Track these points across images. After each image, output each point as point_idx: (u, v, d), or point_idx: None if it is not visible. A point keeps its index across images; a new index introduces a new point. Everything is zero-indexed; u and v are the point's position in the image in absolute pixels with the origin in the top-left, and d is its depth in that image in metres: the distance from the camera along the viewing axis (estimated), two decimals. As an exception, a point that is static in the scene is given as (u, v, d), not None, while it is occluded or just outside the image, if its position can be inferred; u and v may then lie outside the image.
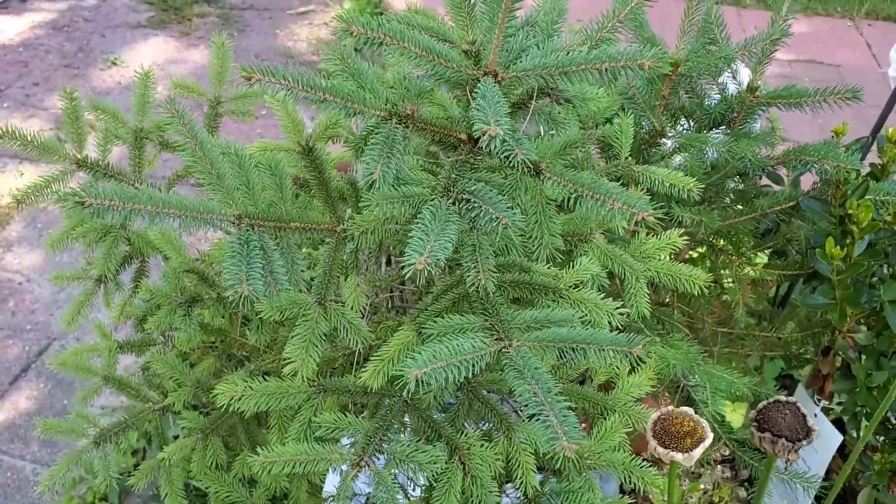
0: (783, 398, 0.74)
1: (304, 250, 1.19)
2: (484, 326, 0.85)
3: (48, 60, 3.20)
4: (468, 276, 0.84)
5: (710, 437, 0.76)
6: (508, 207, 0.77)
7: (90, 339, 2.05)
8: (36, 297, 2.24)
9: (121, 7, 3.61)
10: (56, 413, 1.96)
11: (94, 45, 3.34)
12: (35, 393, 2.01)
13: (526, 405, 0.73)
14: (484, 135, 0.69)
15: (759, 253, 1.40)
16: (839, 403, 1.40)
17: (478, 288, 0.87)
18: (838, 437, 1.33)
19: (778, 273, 1.32)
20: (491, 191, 0.79)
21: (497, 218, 0.77)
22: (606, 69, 0.76)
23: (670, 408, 0.80)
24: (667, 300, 1.41)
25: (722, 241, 1.36)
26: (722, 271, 1.44)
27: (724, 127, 1.32)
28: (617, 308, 0.92)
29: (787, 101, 1.24)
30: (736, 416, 1.53)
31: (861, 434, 1.38)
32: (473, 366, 0.78)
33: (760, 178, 1.40)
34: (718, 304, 1.57)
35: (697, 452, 0.75)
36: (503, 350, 0.81)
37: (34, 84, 3.06)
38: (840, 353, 1.29)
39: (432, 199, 0.79)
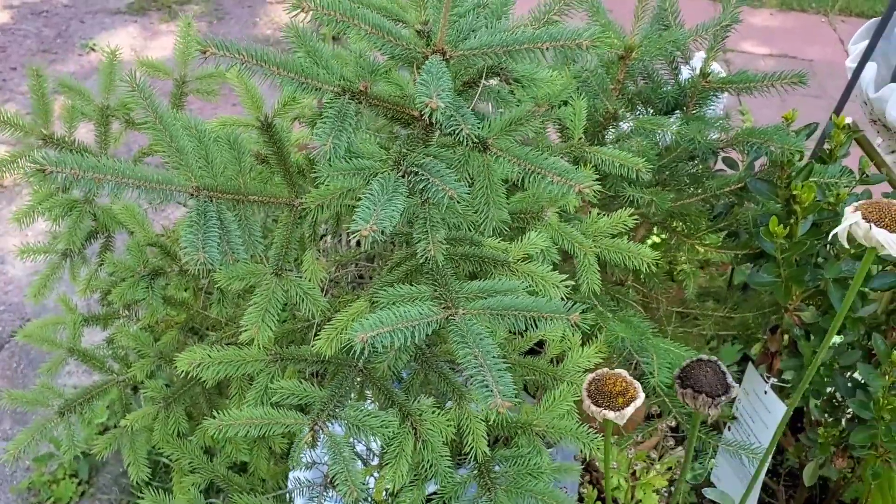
0: (705, 357, 0.78)
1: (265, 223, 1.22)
2: (433, 296, 0.88)
3: (26, 45, 3.21)
4: (419, 247, 0.88)
5: (642, 396, 0.81)
6: (455, 180, 0.81)
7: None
8: (10, 278, 2.25)
9: (99, -7, 3.62)
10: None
11: (72, 30, 3.34)
12: (8, 372, 2.02)
13: (466, 367, 0.77)
14: (426, 107, 0.73)
15: (712, 235, 1.45)
16: (785, 380, 1.45)
17: (428, 259, 0.91)
18: (783, 409, 1.38)
19: (730, 253, 1.36)
20: (439, 164, 0.83)
21: (443, 190, 0.80)
22: (547, 47, 0.79)
23: (605, 369, 0.84)
24: (624, 280, 1.45)
25: (676, 223, 1.40)
26: (677, 253, 1.49)
27: (678, 112, 1.36)
28: (563, 280, 0.95)
29: (738, 85, 1.29)
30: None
31: (806, 408, 1.44)
32: (419, 331, 0.81)
33: (715, 163, 1.44)
34: (674, 287, 1.62)
35: (629, 411, 0.79)
36: (449, 317, 0.84)
37: (11, 69, 3.06)
38: (787, 330, 1.34)
39: (382, 171, 0.83)
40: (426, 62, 0.80)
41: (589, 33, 0.77)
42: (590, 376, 0.83)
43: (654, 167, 1.34)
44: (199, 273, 1.10)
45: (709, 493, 1.01)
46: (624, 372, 0.83)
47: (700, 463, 1.24)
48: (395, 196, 0.79)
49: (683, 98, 1.34)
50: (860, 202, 0.78)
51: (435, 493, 0.98)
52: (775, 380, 1.40)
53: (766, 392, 1.42)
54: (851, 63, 1.76)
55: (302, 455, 1.20)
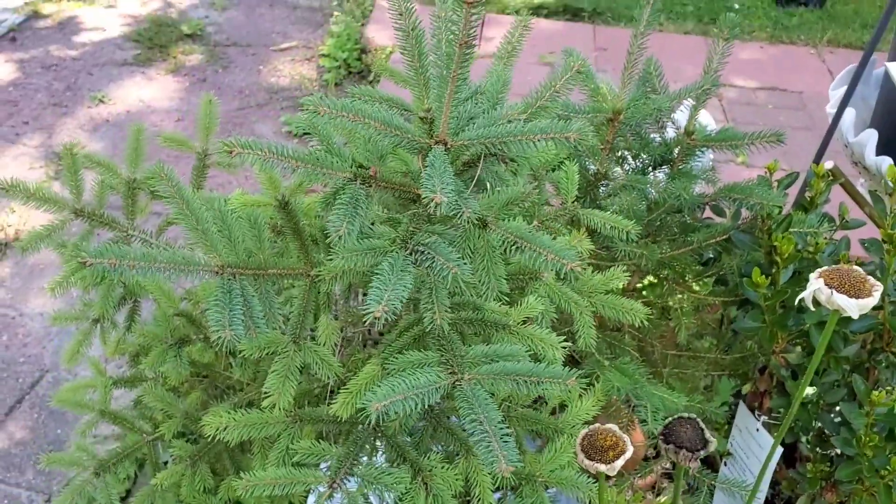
0: (686, 415, 0.86)
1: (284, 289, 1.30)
2: (440, 361, 0.96)
3: (37, 99, 3.31)
4: (426, 316, 0.96)
5: (631, 450, 0.88)
6: (458, 258, 0.89)
7: (79, 370, 2.15)
8: (28, 330, 2.33)
9: (107, 45, 3.73)
10: (49, 441, 2.06)
11: (81, 83, 3.45)
12: (30, 423, 2.10)
13: (472, 434, 0.85)
14: (431, 202, 0.81)
15: (702, 281, 1.53)
16: (776, 418, 1.52)
17: (434, 327, 0.99)
18: (778, 450, 1.45)
19: (720, 300, 1.44)
20: (443, 243, 0.91)
21: (448, 267, 0.88)
22: (539, 139, 0.88)
23: (597, 425, 0.91)
24: (621, 327, 1.53)
25: (666, 270, 1.48)
26: (668, 300, 1.57)
27: (666, 166, 1.45)
28: (560, 342, 1.03)
29: (720, 143, 1.37)
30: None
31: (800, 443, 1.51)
32: (428, 398, 0.89)
33: (703, 212, 1.52)
34: (668, 329, 1.69)
35: (619, 463, 0.86)
36: (456, 383, 0.92)
37: (24, 122, 3.16)
38: (774, 371, 1.42)
39: (391, 251, 0.91)
40: (430, 154, 0.88)
41: (577, 127, 0.86)
42: (583, 432, 0.90)
43: (643, 220, 1.43)
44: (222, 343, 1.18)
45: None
46: (614, 427, 0.90)
47: (695, 498, 1.31)
48: (405, 275, 0.87)
49: (670, 154, 1.42)
50: (823, 269, 0.86)
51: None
52: (765, 417, 1.48)
53: (757, 430, 1.49)
54: (831, 109, 1.85)
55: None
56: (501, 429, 0.84)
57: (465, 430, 1.14)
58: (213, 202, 1.04)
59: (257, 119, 3.15)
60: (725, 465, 1.58)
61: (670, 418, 0.86)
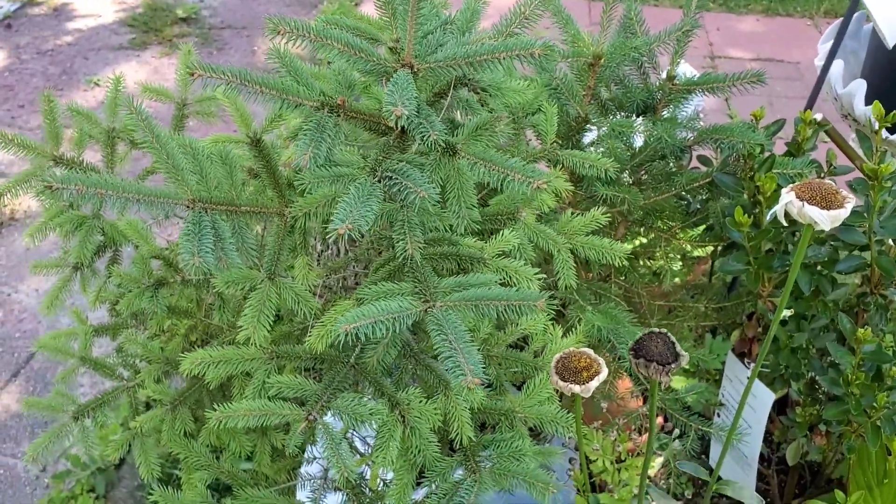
0: (656, 330, 0.85)
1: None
2: (413, 291, 0.96)
3: (33, 83, 3.32)
4: (399, 247, 0.96)
5: (605, 371, 0.87)
6: (426, 182, 0.88)
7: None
8: (24, 307, 2.34)
9: (102, 31, 3.73)
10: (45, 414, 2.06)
11: (77, 67, 3.46)
12: (25, 396, 2.10)
13: (439, 351, 0.84)
14: (391, 115, 0.81)
15: (689, 231, 1.52)
16: (765, 365, 1.51)
17: (407, 258, 0.98)
18: (771, 396, 1.44)
19: (705, 245, 1.43)
20: (411, 168, 0.90)
21: (415, 191, 0.88)
22: (504, 57, 0.87)
23: (572, 348, 0.90)
24: (607, 277, 1.52)
25: (654, 220, 1.47)
26: (657, 249, 1.56)
27: (649, 114, 1.44)
28: (535, 273, 1.03)
29: (703, 87, 1.36)
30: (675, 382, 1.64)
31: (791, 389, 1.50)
32: (399, 323, 0.89)
33: (690, 161, 1.51)
34: (658, 282, 1.68)
35: (593, 384, 0.86)
36: (427, 310, 0.92)
37: (20, 106, 3.17)
38: (762, 316, 1.41)
39: (359, 177, 0.90)
40: (393, 76, 0.88)
41: (541, 44, 0.85)
42: (557, 355, 0.90)
43: (627, 167, 1.42)
44: (201, 283, 1.17)
45: (683, 465, 1.08)
46: (589, 350, 0.90)
47: (682, 443, 1.30)
48: (371, 199, 0.87)
49: (653, 101, 1.41)
50: (794, 184, 0.85)
51: (423, 473, 1.05)
52: (754, 364, 1.47)
53: (747, 377, 1.48)
54: (819, 61, 1.84)
55: (304, 451, 1.27)
56: (468, 346, 0.83)
57: (440, 370, 1.14)
58: (184, 141, 1.03)
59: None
60: (718, 415, 1.57)
61: (640, 334, 0.85)
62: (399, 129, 0.98)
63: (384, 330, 0.88)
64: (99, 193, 0.88)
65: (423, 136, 0.88)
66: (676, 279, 1.52)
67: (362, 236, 1.08)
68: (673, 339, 0.82)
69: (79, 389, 2.04)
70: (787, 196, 0.83)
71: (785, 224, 0.86)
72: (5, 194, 1.16)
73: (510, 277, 1.03)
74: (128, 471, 1.91)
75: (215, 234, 0.94)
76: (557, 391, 0.89)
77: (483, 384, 1.16)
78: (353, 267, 1.35)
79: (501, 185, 0.88)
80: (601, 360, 0.87)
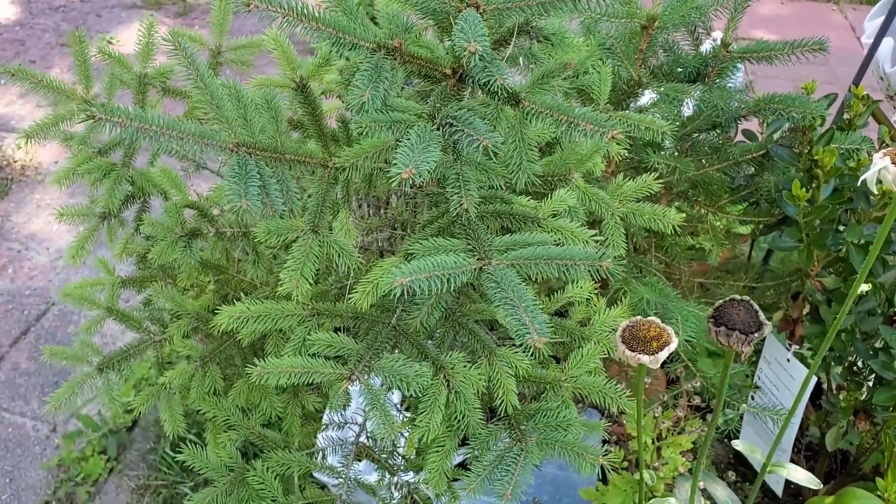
0: (738, 297, 0.80)
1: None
2: (466, 248, 0.91)
3: (45, 39, 3.25)
4: (452, 202, 0.90)
5: (675, 341, 0.82)
6: (488, 130, 0.83)
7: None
8: (34, 264, 2.29)
9: (116, -11, 3.66)
10: (55, 373, 2.02)
11: (90, 24, 3.39)
12: (35, 354, 2.06)
13: (501, 310, 0.79)
14: (464, 51, 0.75)
15: (733, 205, 1.47)
16: (809, 348, 1.46)
17: (460, 214, 0.93)
18: (813, 380, 1.39)
19: (751, 220, 1.38)
20: (473, 116, 0.85)
21: (477, 139, 0.83)
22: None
23: (637, 317, 0.86)
24: (647, 249, 1.47)
25: (698, 193, 1.42)
26: (699, 224, 1.51)
27: (699, 83, 1.38)
28: (592, 235, 0.98)
29: (758, 54, 1.30)
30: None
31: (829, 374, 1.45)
32: (455, 280, 0.84)
33: (735, 135, 1.46)
34: (696, 260, 1.64)
35: (663, 355, 0.81)
36: (483, 267, 0.87)
37: (31, 62, 3.10)
38: (809, 296, 1.36)
39: (418, 124, 0.85)
40: (461, 14, 0.82)
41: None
42: (623, 323, 0.85)
43: (676, 135, 1.36)
44: (235, 236, 1.12)
45: (737, 443, 1.03)
46: (656, 319, 0.85)
47: (727, 415, 1.25)
48: (431, 145, 0.82)
49: (705, 69, 1.35)
50: (888, 148, 0.79)
51: (466, 442, 1.00)
52: (797, 347, 1.42)
53: (788, 360, 1.43)
54: (867, 39, 1.78)
55: (334, 415, 1.22)
56: (532, 304, 0.78)
57: (487, 332, 1.09)
58: (228, 83, 0.98)
59: (268, 62, 3.08)
60: (753, 398, 1.52)
61: (720, 301, 0.80)
62: (456, 76, 0.93)
63: (439, 286, 0.83)
64: (143, 129, 0.83)
65: (489, 81, 0.83)
66: (717, 257, 1.47)
67: (420, 188, 1.03)
68: (756, 306, 0.77)
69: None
70: (882, 161, 0.78)
71: (874, 191, 0.81)
72: (33, 136, 1.11)
73: (565, 239, 0.98)
74: (140, 434, 1.87)
75: (260, 179, 0.89)
76: (621, 362, 0.84)
77: (527, 352, 1.12)
78: (390, 228, 1.29)
79: (567, 134, 0.82)
80: (670, 330, 0.82)
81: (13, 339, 2.09)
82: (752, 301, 0.77)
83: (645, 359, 0.82)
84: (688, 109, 1.38)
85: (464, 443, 1.33)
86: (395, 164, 0.77)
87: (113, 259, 1.20)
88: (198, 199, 1.21)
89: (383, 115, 0.86)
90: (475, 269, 0.86)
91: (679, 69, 1.37)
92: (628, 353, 0.83)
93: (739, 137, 1.47)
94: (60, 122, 1.11)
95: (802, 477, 0.99)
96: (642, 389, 0.88)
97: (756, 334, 0.75)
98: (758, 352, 1.53)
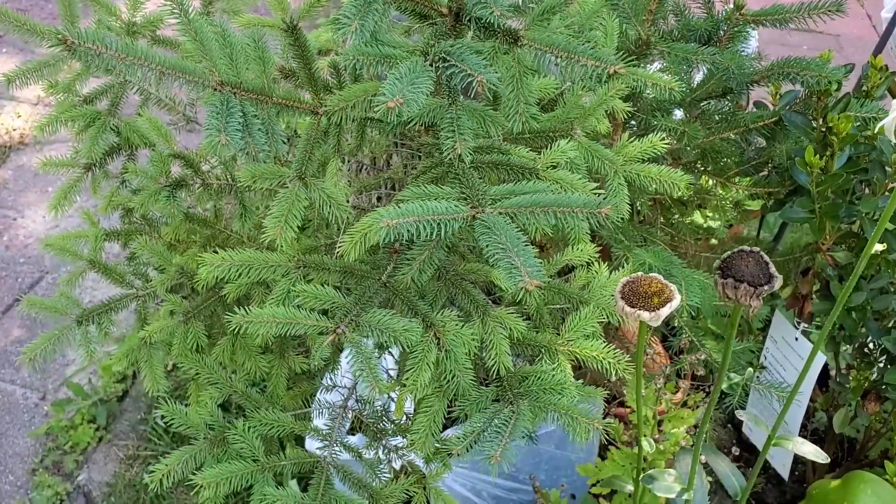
0: (747, 248, 0.75)
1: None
2: (459, 196, 0.86)
3: (47, 9, 3.22)
4: (445, 146, 0.86)
5: (678, 297, 0.77)
6: (485, 66, 0.78)
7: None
8: (29, 232, 2.25)
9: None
10: (47, 342, 1.98)
11: (96, -1, 3.35)
12: (27, 322, 2.02)
13: (491, 254, 0.75)
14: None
15: (741, 179, 1.42)
16: (818, 326, 1.41)
17: (454, 162, 0.89)
18: (822, 358, 1.34)
19: (761, 192, 1.33)
20: (469, 52, 0.80)
21: (472, 75, 0.78)
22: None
23: (639, 273, 0.81)
24: (652, 221, 1.43)
25: (707, 162, 1.37)
26: (706, 196, 1.46)
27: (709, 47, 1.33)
28: (594, 188, 0.93)
29: (774, 17, 1.25)
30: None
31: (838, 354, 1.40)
32: (445, 226, 0.79)
33: (747, 105, 1.41)
34: (703, 236, 1.58)
35: (664, 311, 0.76)
36: (476, 216, 0.82)
37: (19, 10, 3.07)
38: (820, 271, 1.31)
39: (410, 58, 0.80)
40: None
41: None
42: (623, 279, 0.80)
43: (685, 101, 1.31)
44: (222, 189, 1.08)
45: (741, 413, 0.98)
46: (658, 275, 0.80)
47: (732, 389, 1.20)
48: (422, 79, 0.77)
49: (716, 32, 1.30)
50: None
51: (455, 401, 0.96)
52: (805, 325, 1.37)
53: (796, 338, 1.38)
54: (887, 14, 1.72)
55: (323, 378, 1.18)
56: (524, 247, 0.74)
57: (481, 296, 1.04)
58: (214, 22, 0.94)
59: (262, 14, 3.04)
60: (758, 379, 1.47)
61: (728, 252, 0.75)
62: (453, 14, 0.88)
63: (429, 231, 0.78)
64: (119, 57, 0.79)
65: (487, 14, 0.79)
66: (724, 230, 1.42)
67: (413, 139, 0.97)
68: (766, 258, 0.72)
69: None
70: (901, 102, 0.73)
71: (893, 139, 0.76)
72: (14, 81, 1.07)
73: (564, 191, 0.93)
74: (131, 403, 1.83)
75: (243, 117, 0.85)
76: (620, 318, 0.79)
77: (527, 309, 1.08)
78: (385, 188, 1.25)
79: (568, 71, 0.78)
80: (673, 287, 0.77)
81: (6, 306, 2.06)
82: (762, 252, 0.72)
83: (645, 315, 0.77)
84: (699, 74, 1.33)
85: (452, 422, 1.29)
86: (381, 94, 0.72)
87: (98, 212, 1.16)
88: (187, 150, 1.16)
89: (372, 48, 0.81)
90: (468, 217, 0.82)
91: (690, 33, 1.32)
92: (627, 309, 0.78)
93: (750, 110, 1.42)
94: (44, 68, 1.07)
95: (809, 450, 0.94)
96: (643, 350, 0.83)
97: (766, 287, 0.70)
98: (764, 330, 1.47)
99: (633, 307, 0.79)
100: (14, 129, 2.54)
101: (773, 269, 0.72)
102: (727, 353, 0.80)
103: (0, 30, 1.08)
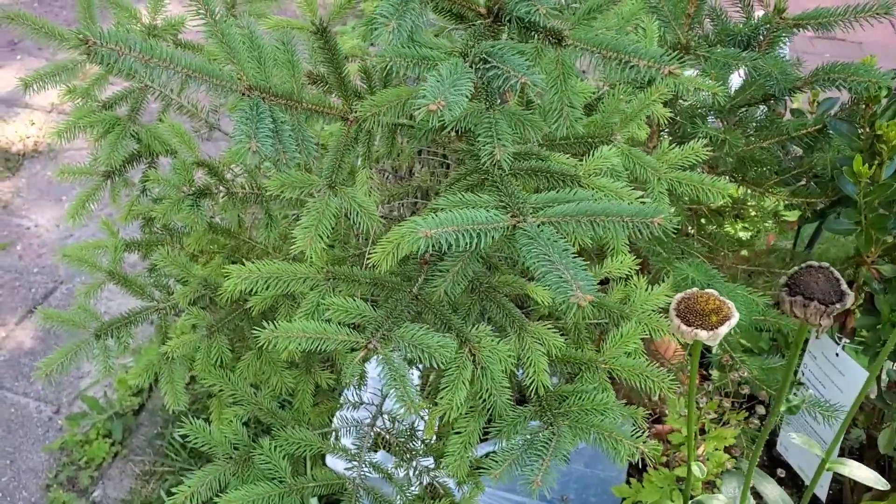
0: (815, 263, 0.70)
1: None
2: (497, 205, 0.82)
3: (62, 16, 3.20)
4: (484, 152, 0.81)
5: (737, 316, 0.73)
6: (528, 66, 0.74)
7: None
8: (43, 241, 2.22)
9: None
10: (62, 354, 1.95)
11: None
12: (41, 334, 1.99)
13: (537, 267, 0.70)
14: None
15: (780, 189, 1.37)
16: (861, 342, 1.36)
17: (492, 169, 0.84)
18: (864, 374, 1.28)
19: (801, 202, 1.28)
20: (511, 52, 0.76)
21: (515, 77, 0.74)
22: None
23: (694, 289, 0.76)
24: (689, 232, 1.38)
25: (747, 169, 1.32)
26: (744, 207, 1.41)
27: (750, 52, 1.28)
28: (639, 197, 0.88)
29: (817, 21, 1.21)
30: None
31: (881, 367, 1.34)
32: (485, 236, 0.75)
33: (785, 112, 1.36)
34: (739, 251, 1.53)
35: (723, 330, 0.71)
36: (517, 225, 0.78)
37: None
38: (865, 285, 1.25)
39: (449, 60, 0.76)
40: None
41: None
42: (678, 296, 0.75)
43: (723, 108, 1.27)
44: (247, 198, 1.04)
45: (794, 437, 0.93)
46: (714, 291, 0.75)
47: (795, 393, 1.14)
48: (462, 81, 0.73)
49: (756, 37, 1.26)
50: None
51: (492, 422, 0.91)
52: (847, 340, 1.31)
53: (837, 354, 1.33)
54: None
55: (349, 394, 1.14)
56: (573, 260, 0.69)
57: (514, 309, 0.99)
58: (242, 23, 0.90)
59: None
60: (796, 395, 1.42)
61: (796, 267, 0.70)
62: (492, 16, 0.84)
63: (468, 241, 0.74)
64: (143, 60, 0.75)
65: (529, 12, 0.74)
66: (764, 240, 1.37)
67: (445, 147, 0.93)
68: (837, 274, 0.67)
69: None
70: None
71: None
72: (31, 85, 1.03)
73: (608, 200, 0.89)
74: (147, 418, 1.79)
75: (273, 122, 0.81)
76: (678, 336, 0.74)
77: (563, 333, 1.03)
78: (413, 197, 1.21)
79: (616, 72, 0.73)
80: (731, 304, 0.72)
81: (19, 317, 2.03)
82: (832, 268, 0.67)
83: (703, 334, 0.73)
84: (737, 79, 1.29)
85: (485, 437, 1.24)
86: (423, 94, 0.68)
87: (118, 222, 1.13)
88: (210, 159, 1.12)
89: (410, 49, 0.77)
90: (509, 227, 0.77)
91: (728, 37, 1.27)
92: (684, 327, 0.73)
93: (787, 118, 1.37)
94: (61, 72, 1.03)
95: (868, 476, 0.89)
96: (696, 371, 0.78)
97: (838, 305, 0.66)
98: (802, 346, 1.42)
99: (689, 325, 0.74)
100: (28, 137, 2.52)
101: (844, 285, 0.67)
102: (788, 373, 0.75)
103: (15, 36, 1.05)
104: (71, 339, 1.03)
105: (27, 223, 2.27)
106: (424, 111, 0.67)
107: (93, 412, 1.76)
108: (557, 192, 0.83)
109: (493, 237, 0.76)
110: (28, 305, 2.06)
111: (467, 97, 0.71)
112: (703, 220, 1.36)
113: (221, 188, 1.03)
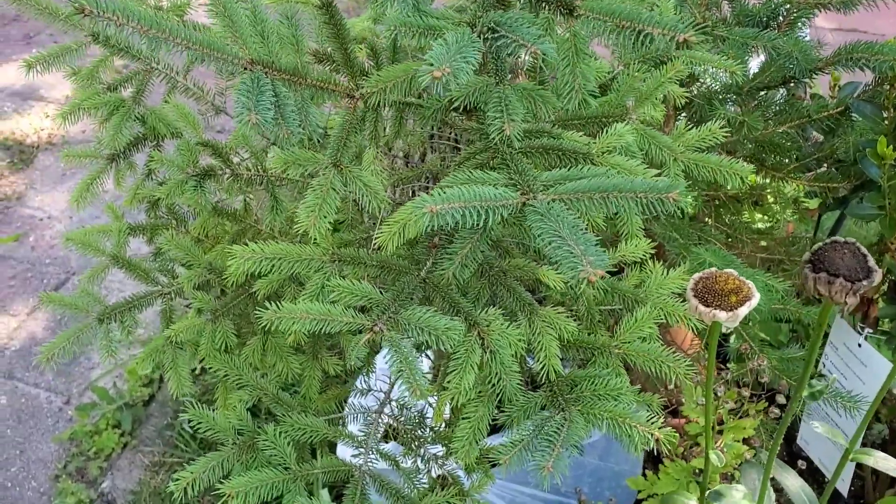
0: (840, 239, 0.67)
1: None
2: (507, 182, 0.79)
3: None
4: (493, 127, 0.79)
5: (757, 296, 0.70)
6: (539, 35, 0.71)
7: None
8: (56, 232, 2.22)
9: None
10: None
11: (126, 2, 3.34)
12: (52, 324, 1.98)
13: (546, 243, 0.68)
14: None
15: (800, 175, 1.33)
16: (884, 332, 1.32)
17: (501, 146, 0.82)
18: (887, 366, 1.25)
19: (821, 187, 1.24)
20: (521, 21, 0.74)
21: (525, 45, 0.71)
22: None
23: (712, 269, 0.73)
24: (704, 218, 1.34)
25: (766, 155, 1.29)
26: (762, 193, 1.37)
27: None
28: (655, 175, 0.85)
29: (840, 0, 1.17)
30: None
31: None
32: (494, 213, 0.72)
33: (805, 97, 1.32)
34: (757, 241, 1.50)
35: (743, 311, 0.68)
36: (527, 202, 0.75)
37: (63, 32, 3.06)
38: (889, 273, 1.22)
39: (456, 29, 0.74)
40: None
41: None
42: (696, 276, 0.72)
43: (741, 91, 1.23)
44: (253, 179, 1.02)
45: (817, 426, 0.90)
46: (734, 271, 0.72)
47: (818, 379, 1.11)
48: (469, 49, 0.70)
49: (775, 18, 1.22)
50: None
51: (501, 409, 0.89)
52: (870, 330, 1.27)
53: (859, 345, 1.29)
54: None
55: (357, 381, 1.11)
56: (583, 235, 0.66)
57: (525, 293, 0.96)
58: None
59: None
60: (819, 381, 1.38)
61: (820, 243, 0.67)
62: (503, -13, 0.81)
63: (475, 219, 0.71)
64: (143, 31, 0.73)
65: (541, -19, 0.72)
66: (784, 226, 1.33)
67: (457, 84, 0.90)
68: (864, 250, 0.64)
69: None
70: None
71: None
72: (34, 66, 1.02)
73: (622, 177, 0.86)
74: (157, 408, 1.78)
75: (275, 96, 0.79)
76: (692, 314, 0.71)
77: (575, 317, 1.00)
78: (423, 181, 1.18)
79: (630, 40, 0.70)
80: (751, 284, 0.69)
81: (31, 307, 2.02)
82: (858, 243, 0.64)
83: (722, 315, 0.70)
84: (756, 62, 1.25)
85: (495, 430, 1.21)
86: (426, 62, 0.65)
87: (123, 206, 1.11)
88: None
89: (415, 18, 0.75)
90: (518, 204, 0.75)
91: (746, 18, 1.24)
92: (702, 308, 0.70)
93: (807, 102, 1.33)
94: (65, 54, 1.01)
95: (893, 466, 0.85)
96: (714, 355, 0.75)
97: (864, 282, 0.62)
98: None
99: (708, 306, 0.71)
100: (42, 129, 2.52)
101: (871, 261, 0.64)
102: (810, 359, 0.72)
103: (31, 30, 1.04)
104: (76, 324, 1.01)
105: (40, 214, 2.27)
106: (429, 78, 0.65)
107: (102, 403, 1.75)
108: (569, 169, 0.80)
109: (501, 214, 0.74)
110: (39, 297, 2.05)
111: (474, 66, 0.69)
112: (720, 209, 1.33)
113: (226, 170, 1.01)
